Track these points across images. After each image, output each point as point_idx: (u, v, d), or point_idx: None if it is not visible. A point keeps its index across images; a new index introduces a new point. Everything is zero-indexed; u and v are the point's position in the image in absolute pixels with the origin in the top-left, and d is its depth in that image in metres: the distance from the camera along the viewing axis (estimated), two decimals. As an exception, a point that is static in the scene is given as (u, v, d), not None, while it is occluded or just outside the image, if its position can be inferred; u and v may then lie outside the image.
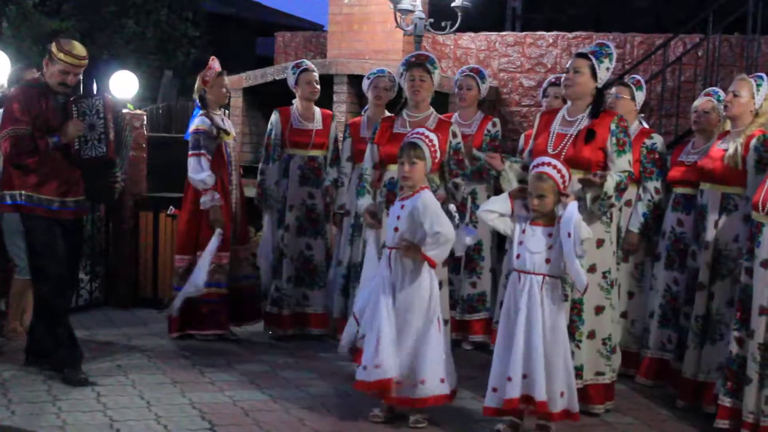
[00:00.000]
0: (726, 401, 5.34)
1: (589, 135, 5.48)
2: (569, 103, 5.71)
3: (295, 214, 7.30)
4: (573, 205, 5.05)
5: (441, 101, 9.76)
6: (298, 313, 7.35)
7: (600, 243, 5.54)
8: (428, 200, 5.32)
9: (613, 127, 5.51)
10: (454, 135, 5.96)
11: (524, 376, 5.03)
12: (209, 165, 6.98)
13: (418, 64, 6.03)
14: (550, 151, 5.49)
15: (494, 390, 5.15)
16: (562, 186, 5.14)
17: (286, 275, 7.29)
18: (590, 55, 5.56)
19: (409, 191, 5.37)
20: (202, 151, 6.98)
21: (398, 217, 5.35)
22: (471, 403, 5.75)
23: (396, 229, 5.34)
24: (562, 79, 5.73)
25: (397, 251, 5.32)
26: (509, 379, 5.03)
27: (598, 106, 5.60)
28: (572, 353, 5.29)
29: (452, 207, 5.64)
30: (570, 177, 5.20)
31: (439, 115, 6.13)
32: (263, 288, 7.43)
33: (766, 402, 5.11)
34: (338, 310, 7.01)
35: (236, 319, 7.29)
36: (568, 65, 5.66)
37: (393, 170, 5.80)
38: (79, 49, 5.95)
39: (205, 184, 6.96)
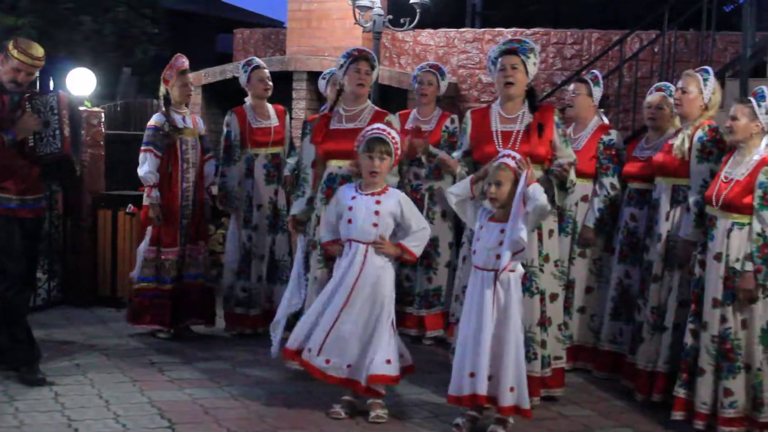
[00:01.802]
0: (681, 393, 5.42)
1: (540, 129, 5.56)
2: (501, 101, 5.74)
3: (264, 213, 7.29)
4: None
5: (400, 98, 9.81)
6: (268, 310, 7.33)
7: (551, 233, 5.69)
8: (406, 198, 5.48)
9: (556, 119, 5.66)
10: (389, 125, 5.87)
11: (471, 375, 5.11)
12: (155, 162, 7.05)
13: (364, 57, 5.97)
14: (499, 150, 5.51)
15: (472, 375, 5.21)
16: (516, 176, 5.14)
17: (256, 275, 7.29)
18: (517, 52, 5.62)
19: (377, 187, 5.40)
20: (150, 148, 7.06)
21: (377, 213, 5.35)
22: (432, 397, 5.78)
23: (375, 225, 5.35)
24: (500, 78, 5.68)
25: (373, 246, 5.35)
26: (471, 375, 5.11)
27: (535, 100, 5.70)
28: (544, 342, 5.44)
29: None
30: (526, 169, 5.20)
31: (375, 107, 6.07)
32: (225, 289, 7.38)
33: (725, 394, 5.19)
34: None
35: (185, 316, 7.27)
36: (503, 63, 5.63)
37: (333, 166, 5.83)
38: (37, 49, 5.92)
39: (146, 180, 7.06)
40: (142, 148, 7.08)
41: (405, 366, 5.50)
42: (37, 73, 6.04)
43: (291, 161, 7.29)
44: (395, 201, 5.39)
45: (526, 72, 5.64)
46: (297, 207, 6.01)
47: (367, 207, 5.38)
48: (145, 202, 7.12)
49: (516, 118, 5.65)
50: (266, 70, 7.37)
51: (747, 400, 5.19)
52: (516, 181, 5.13)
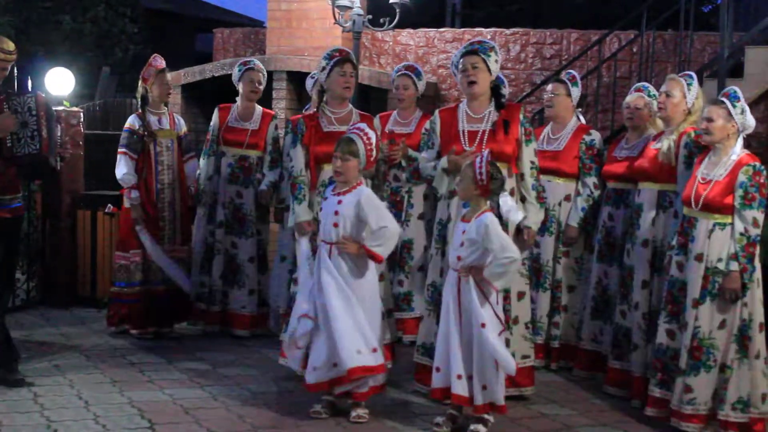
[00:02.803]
0: (656, 392, 5.47)
1: (506, 127, 5.60)
2: (467, 100, 5.78)
3: (224, 211, 7.28)
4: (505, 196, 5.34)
5: (380, 98, 9.82)
6: (223, 311, 7.34)
7: (518, 232, 5.70)
8: (370, 196, 5.39)
9: (521, 117, 5.70)
10: (375, 129, 5.92)
11: (437, 369, 5.22)
12: (132, 164, 7.08)
13: (347, 59, 5.97)
14: (466, 148, 5.58)
15: (437, 370, 5.28)
16: (478, 177, 5.13)
17: (217, 272, 7.27)
18: (477, 52, 5.64)
19: (343, 186, 5.40)
20: (125, 150, 7.10)
21: (336, 213, 5.37)
22: (411, 397, 5.80)
23: (336, 225, 5.36)
24: (462, 79, 5.71)
25: (337, 246, 5.35)
26: (437, 369, 5.24)
27: (500, 98, 5.73)
28: (507, 341, 5.44)
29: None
30: (488, 174, 5.13)
31: (359, 111, 6.11)
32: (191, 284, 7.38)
33: (685, 390, 5.23)
34: (285, 305, 6.96)
35: (164, 320, 7.27)
36: (463, 64, 5.66)
37: (329, 169, 5.79)
38: (7, 43, 5.89)
39: (124, 182, 7.09)
40: (119, 150, 7.12)
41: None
42: (11, 71, 6.01)
43: (270, 175, 7.21)
44: (355, 200, 5.35)
45: (489, 70, 5.67)
46: (302, 213, 5.85)
47: (330, 207, 5.42)
48: (126, 204, 7.13)
49: (482, 117, 5.70)
50: (259, 73, 7.32)
51: (712, 398, 5.23)
52: (474, 182, 5.15)
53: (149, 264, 7.17)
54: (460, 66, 5.68)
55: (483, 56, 5.63)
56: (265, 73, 7.47)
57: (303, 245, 5.75)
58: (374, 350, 5.32)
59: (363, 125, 5.56)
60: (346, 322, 5.28)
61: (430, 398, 5.48)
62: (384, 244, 5.35)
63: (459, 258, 5.18)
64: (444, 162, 5.63)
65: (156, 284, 7.21)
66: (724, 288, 5.17)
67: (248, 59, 7.54)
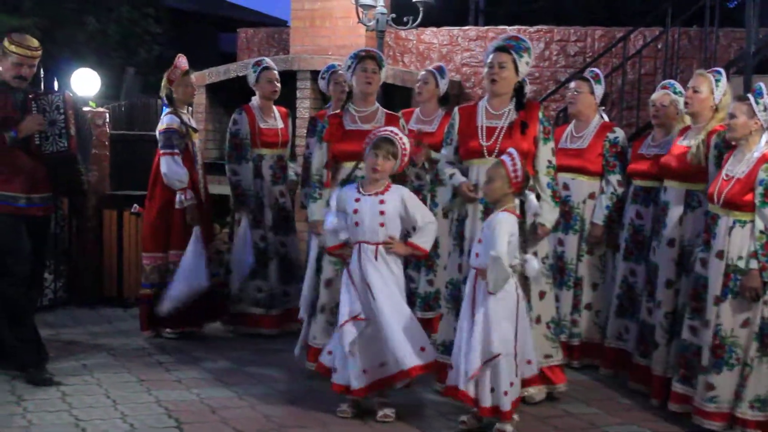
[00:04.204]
0: (678, 388, 5.46)
1: (523, 126, 5.57)
2: (488, 96, 5.77)
3: (272, 213, 7.32)
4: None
5: (403, 96, 9.81)
6: (285, 310, 7.37)
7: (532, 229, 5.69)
8: (410, 193, 5.48)
9: (540, 116, 5.66)
10: (403, 128, 5.94)
11: (451, 367, 5.26)
12: (181, 163, 7.01)
13: (371, 56, 5.99)
14: (483, 143, 5.57)
15: (451, 367, 5.29)
16: (512, 175, 5.17)
17: (274, 275, 7.31)
18: (510, 50, 5.61)
19: (380, 186, 5.40)
20: (176, 150, 7.01)
21: (382, 213, 5.35)
22: (437, 396, 5.79)
23: (382, 225, 5.35)
24: (486, 74, 5.72)
25: (384, 246, 5.36)
26: (451, 367, 5.27)
27: (522, 98, 5.71)
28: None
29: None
30: (522, 172, 5.22)
31: (385, 110, 6.09)
32: (234, 289, 7.36)
33: (706, 388, 5.21)
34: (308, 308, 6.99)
35: (202, 317, 7.28)
36: (491, 59, 5.65)
37: (348, 167, 5.81)
38: (31, 40, 5.97)
39: (182, 182, 7.01)
40: (167, 151, 7.00)
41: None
42: (37, 71, 6.07)
43: (295, 165, 7.36)
44: (398, 198, 5.38)
45: (516, 70, 5.64)
46: (317, 211, 5.89)
47: (372, 208, 5.37)
48: (181, 204, 7.01)
49: (502, 114, 5.67)
50: (275, 72, 7.37)
51: (733, 397, 5.20)
52: (509, 181, 5.17)
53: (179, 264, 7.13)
54: (489, 60, 5.66)
55: (515, 55, 5.59)
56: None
57: (312, 244, 5.81)
58: (423, 348, 5.33)
59: (394, 128, 5.56)
60: (399, 321, 5.30)
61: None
62: (430, 240, 5.48)
63: (477, 255, 5.19)
64: (456, 181, 5.64)
65: None
66: (744, 287, 5.13)
67: (260, 59, 7.54)
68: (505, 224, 5.09)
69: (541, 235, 5.65)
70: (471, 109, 5.83)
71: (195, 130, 7.23)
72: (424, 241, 5.43)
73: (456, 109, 5.94)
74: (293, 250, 7.41)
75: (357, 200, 5.39)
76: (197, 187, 7.14)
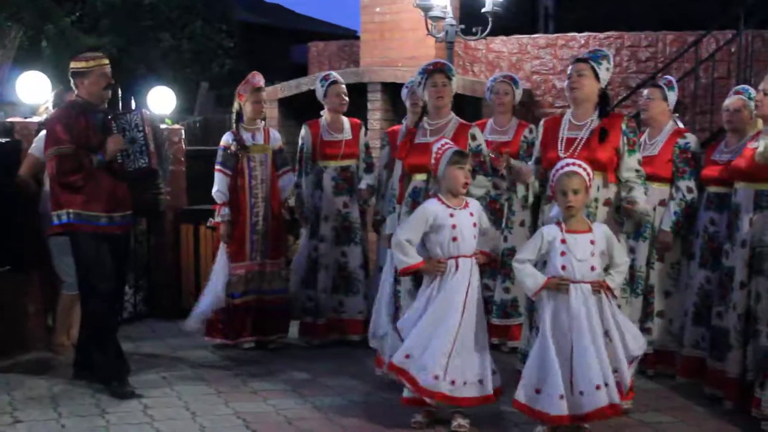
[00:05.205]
0: (759, 393, 5.40)
1: (602, 134, 5.54)
2: (572, 108, 5.76)
3: (330, 224, 7.43)
4: None
5: (474, 106, 9.83)
6: (335, 320, 7.47)
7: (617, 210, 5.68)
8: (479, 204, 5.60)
9: (623, 127, 5.61)
10: (473, 138, 5.94)
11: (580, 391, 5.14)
12: (225, 181, 7.26)
13: (439, 70, 6.03)
14: (561, 155, 5.54)
15: (537, 392, 5.17)
16: (588, 182, 5.21)
17: (322, 285, 7.41)
18: (588, 60, 5.63)
19: (460, 200, 5.48)
20: (220, 167, 7.30)
21: (474, 225, 5.47)
22: (510, 407, 5.75)
23: (475, 237, 5.47)
24: (566, 84, 5.76)
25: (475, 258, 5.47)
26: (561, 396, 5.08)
27: (606, 106, 5.69)
28: None
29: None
30: (592, 175, 5.27)
31: (460, 119, 6.11)
32: (292, 297, 7.50)
33: None
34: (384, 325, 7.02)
35: (261, 331, 7.37)
36: (570, 71, 5.68)
37: (417, 180, 5.88)
38: (96, 52, 6.28)
39: (216, 198, 7.29)
40: (215, 167, 7.32)
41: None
42: (115, 91, 6.27)
43: (368, 177, 7.44)
44: (479, 209, 5.53)
45: (597, 78, 5.63)
46: (390, 226, 6.11)
47: (467, 221, 5.45)
48: (216, 219, 7.32)
49: (584, 125, 5.64)
50: (343, 85, 7.50)
51: None
52: (587, 187, 5.20)
53: (252, 274, 7.30)
54: (568, 73, 5.71)
55: (593, 63, 5.60)
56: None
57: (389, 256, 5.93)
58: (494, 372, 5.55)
59: (448, 141, 5.67)
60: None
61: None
62: (497, 244, 5.85)
63: (593, 268, 5.17)
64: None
65: (264, 292, 7.34)
66: None
67: (327, 73, 7.70)
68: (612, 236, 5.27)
69: (629, 208, 5.55)
70: (556, 120, 5.84)
71: (248, 149, 7.32)
72: (493, 246, 5.70)
73: (542, 121, 5.96)
74: (354, 261, 7.48)
75: (452, 215, 5.42)
76: (243, 205, 7.28)
